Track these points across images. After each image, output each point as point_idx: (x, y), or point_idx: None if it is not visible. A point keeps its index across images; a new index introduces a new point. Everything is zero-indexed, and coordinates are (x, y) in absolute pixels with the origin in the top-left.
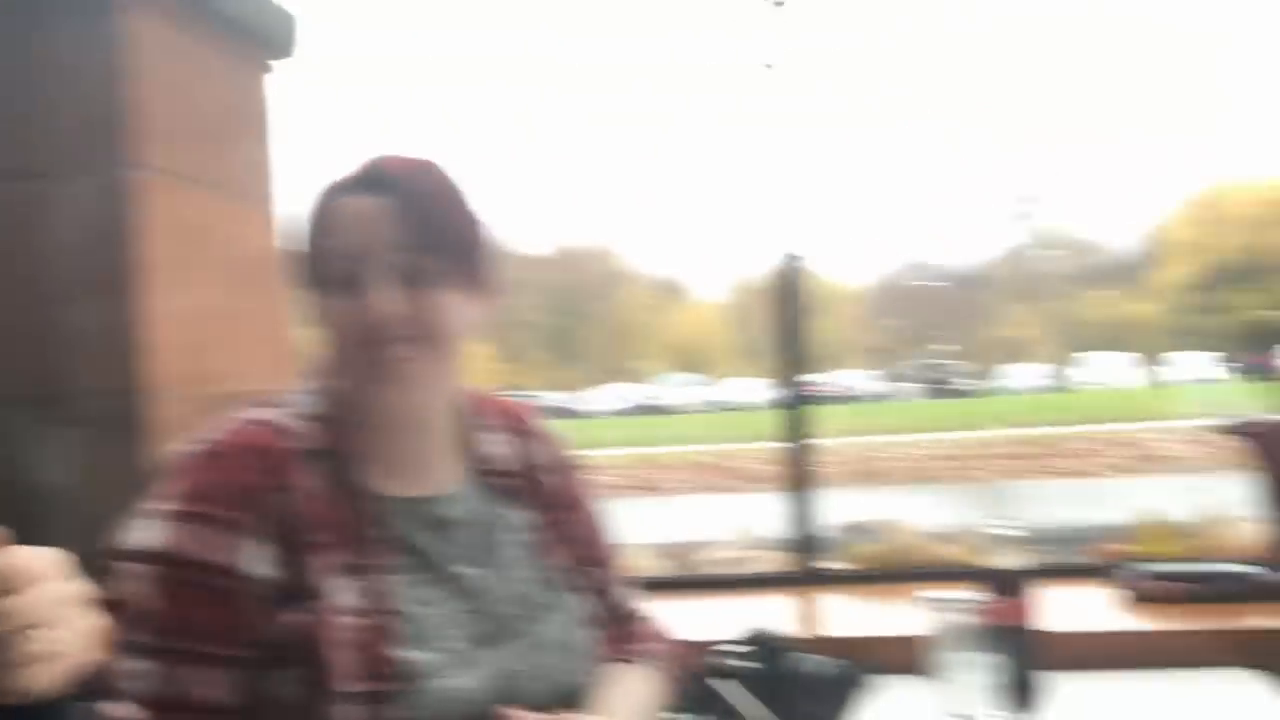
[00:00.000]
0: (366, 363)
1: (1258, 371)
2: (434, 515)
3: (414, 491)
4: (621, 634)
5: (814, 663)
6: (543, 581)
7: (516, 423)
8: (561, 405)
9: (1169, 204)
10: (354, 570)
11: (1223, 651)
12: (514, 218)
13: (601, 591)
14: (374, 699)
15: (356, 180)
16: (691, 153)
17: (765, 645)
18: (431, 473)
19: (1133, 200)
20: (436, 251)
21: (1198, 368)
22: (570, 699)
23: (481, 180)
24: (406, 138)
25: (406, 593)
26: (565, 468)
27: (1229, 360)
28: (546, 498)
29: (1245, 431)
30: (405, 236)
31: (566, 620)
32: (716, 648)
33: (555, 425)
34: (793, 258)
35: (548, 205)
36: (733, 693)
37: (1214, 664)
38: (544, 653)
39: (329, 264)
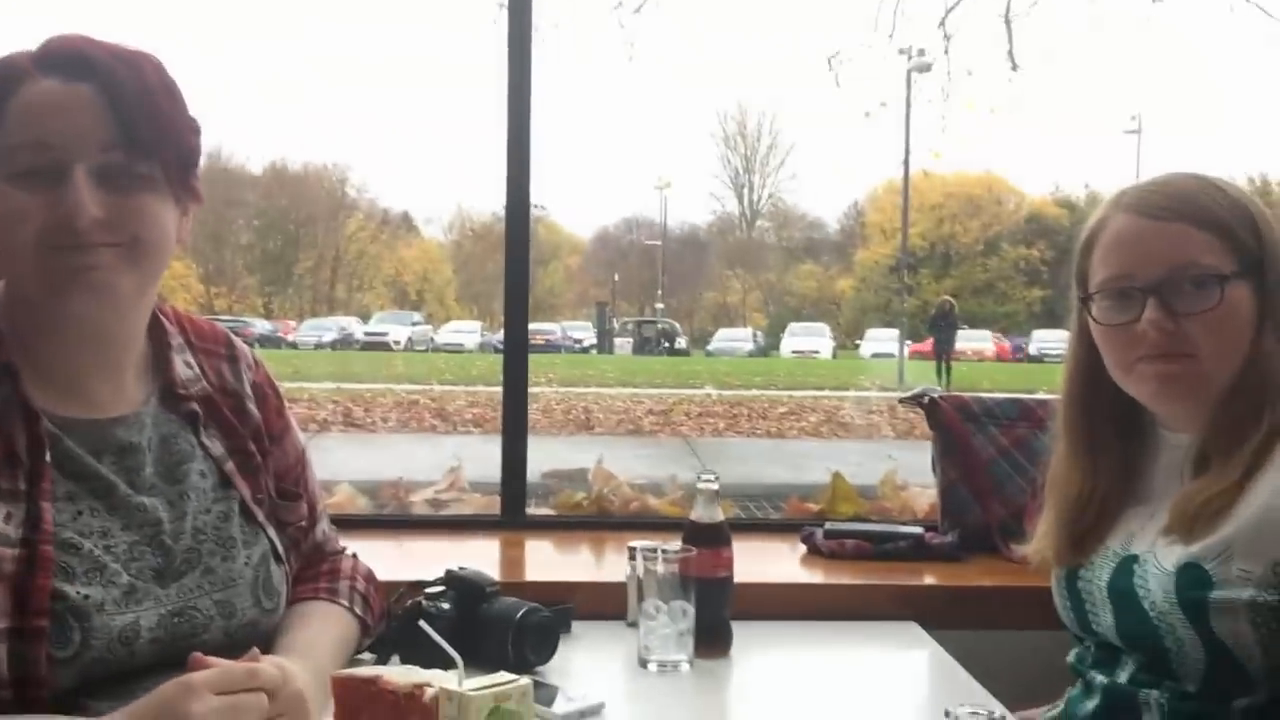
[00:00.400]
0: (51, 268)
1: (943, 349)
2: (113, 439)
3: (92, 413)
4: (319, 571)
5: (514, 606)
6: (234, 514)
7: (216, 346)
8: (269, 333)
9: (872, 186)
10: (7, 496)
11: (889, 604)
12: (227, 129)
13: (300, 527)
14: (23, 636)
15: (51, 60)
16: (433, 89)
17: (467, 587)
18: (114, 393)
19: (847, 179)
20: (147, 153)
21: (888, 343)
22: (259, 638)
23: (192, 84)
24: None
25: (73, 522)
26: (267, 397)
27: (916, 337)
28: (244, 427)
29: (919, 402)
30: (112, 132)
31: (258, 555)
32: (417, 588)
33: (260, 353)
34: (522, 204)
35: (265, 121)
36: (431, 634)
37: (882, 616)
38: (230, 589)
39: (14, 153)
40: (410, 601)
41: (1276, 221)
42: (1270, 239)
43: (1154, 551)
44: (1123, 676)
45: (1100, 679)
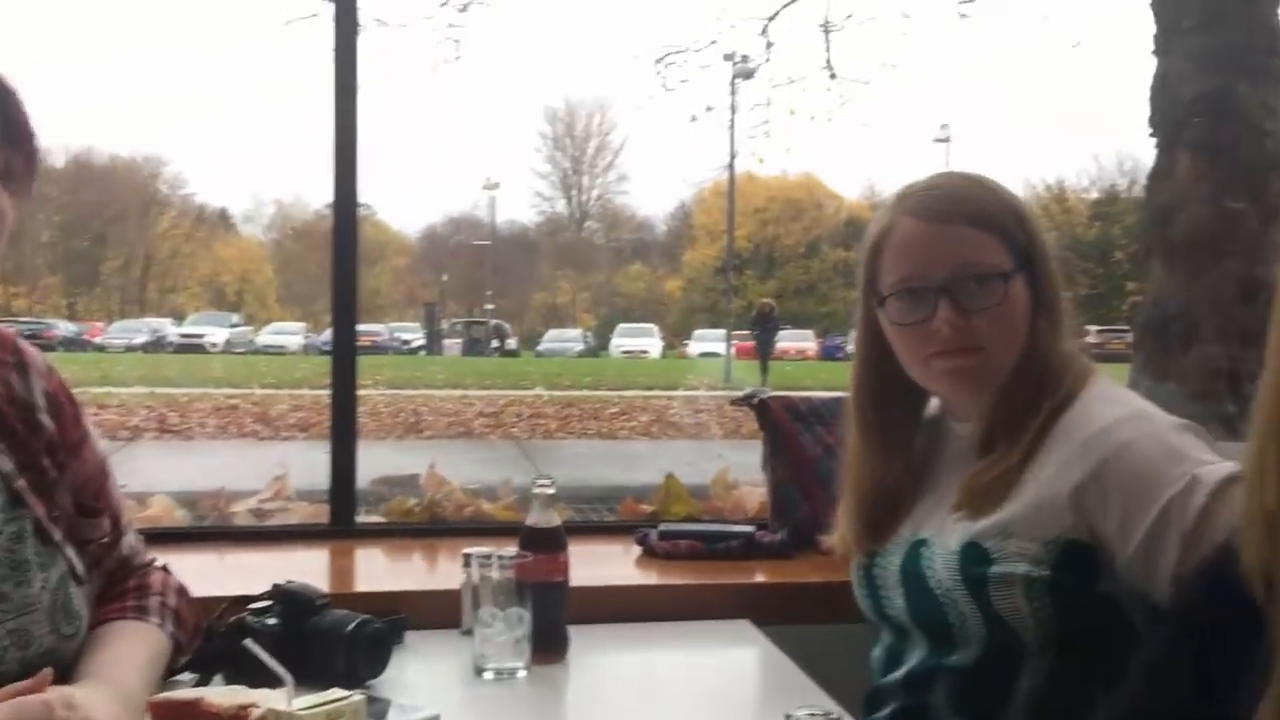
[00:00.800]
0: None
1: (763, 350)
2: None
3: None
4: (125, 589)
5: (345, 618)
6: (27, 535)
7: (1, 354)
8: (75, 335)
9: (699, 189)
10: None
11: (723, 603)
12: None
13: (103, 544)
14: None
15: None
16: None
17: (294, 601)
18: None
19: (675, 181)
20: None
21: (716, 343)
22: (58, 667)
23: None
24: None
25: None
26: (62, 406)
27: (742, 338)
28: (36, 440)
29: (749, 403)
30: None
31: (55, 578)
32: (241, 604)
33: (65, 357)
34: (347, 202)
35: (66, 109)
36: (257, 651)
37: (716, 615)
38: (26, 616)
39: None
40: (234, 618)
41: (1045, 219)
42: (1037, 234)
43: (940, 534)
44: (914, 660)
45: (895, 667)
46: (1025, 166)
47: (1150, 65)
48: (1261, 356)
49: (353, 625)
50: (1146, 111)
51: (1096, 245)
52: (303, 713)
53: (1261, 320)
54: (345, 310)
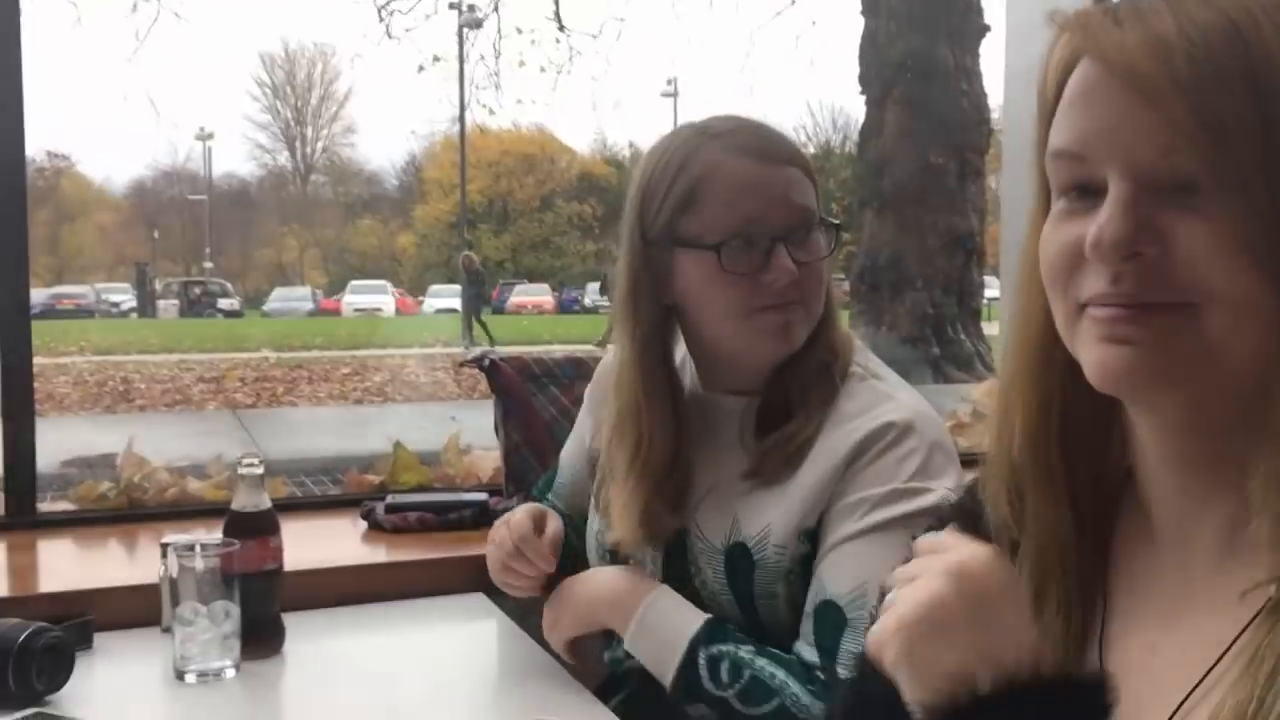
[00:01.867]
0: None
1: (471, 306)
2: None
3: None
4: None
5: (15, 629)
6: None
7: None
8: None
9: (430, 143)
10: None
11: (456, 577)
12: None
13: None
14: None
15: None
16: None
17: None
18: None
19: (405, 134)
20: None
21: (447, 300)
22: None
23: None
24: None
25: None
26: None
27: (471, 294)
28: None
29: (480, 365)
30: None
31: None
32: None
33: None
34: (13, 150)
35: None
36: None
37: (450, 590)
38: None
39: None
40: None
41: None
42: (819, 186)
43: (701, 525)
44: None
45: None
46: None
47: (859, 24)
48: (963, 303)
49: (24, 636)
50: (857, 69)
51: None
52: None
53: (961, 270)
54: (15, 265)
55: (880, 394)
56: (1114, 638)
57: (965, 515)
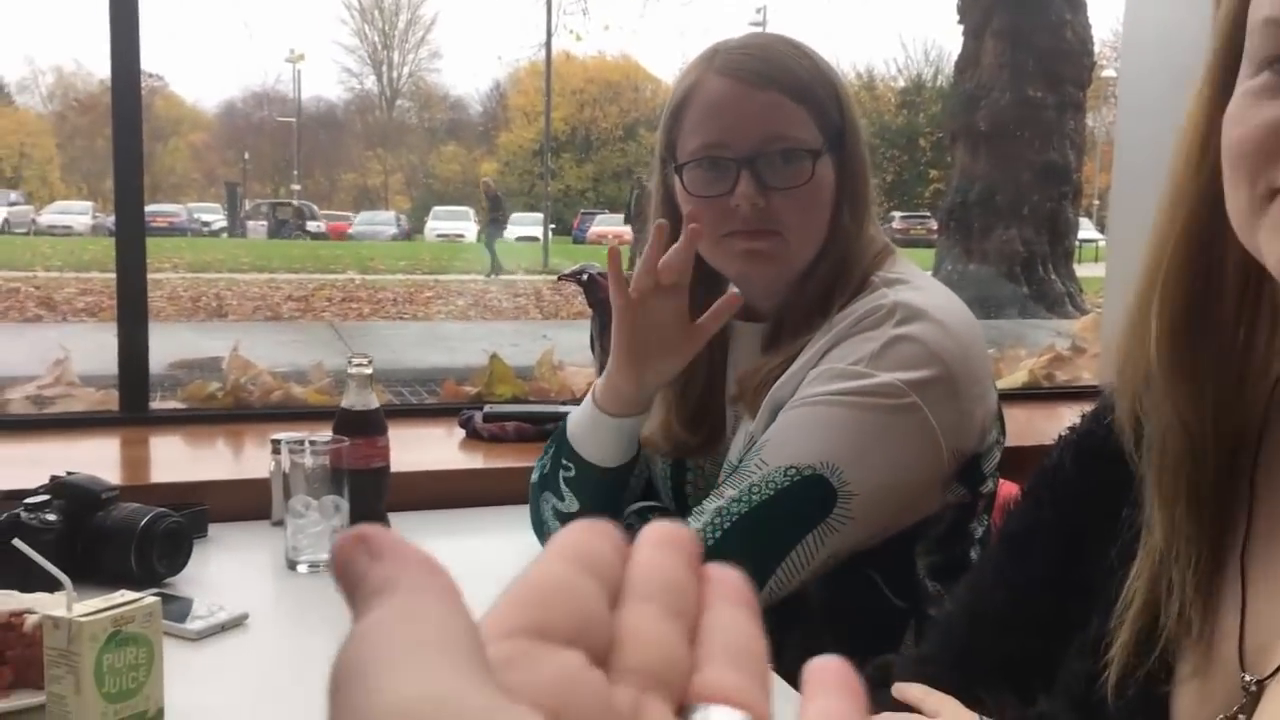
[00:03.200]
0: None
1: (489, 235)
2: None
3: None
4: None
5: (137, 512)
6: None
7: None
8: None
9: (514, 69)
10: None
11: None
12: None
13: None
14: None
15: None
16: None
17: (77, 495)
18: None
19: (490, 60)
20: None
21: (533, 227)
22: None
23: None
24: None
25: None
26: None
27: (560, 223)
28: None
29: (578, 279)
30: None
31: None
32: (13, 499)
33: None
34: (130, 71)
35: None
36: (27, 551)
37: None
38: None
39: None
40: (4, 515)
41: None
42: (851, 114)
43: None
44: None
45: None
46: (838, 52)
47: None
48: (1055, 242)
49: (146, 519)
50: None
51: (903, 133)
52: (84, 619)
53: (1055, 207)
54: (130, 185)
55: (880, 292)
56: (1258, 537)
57: (1090, 442)
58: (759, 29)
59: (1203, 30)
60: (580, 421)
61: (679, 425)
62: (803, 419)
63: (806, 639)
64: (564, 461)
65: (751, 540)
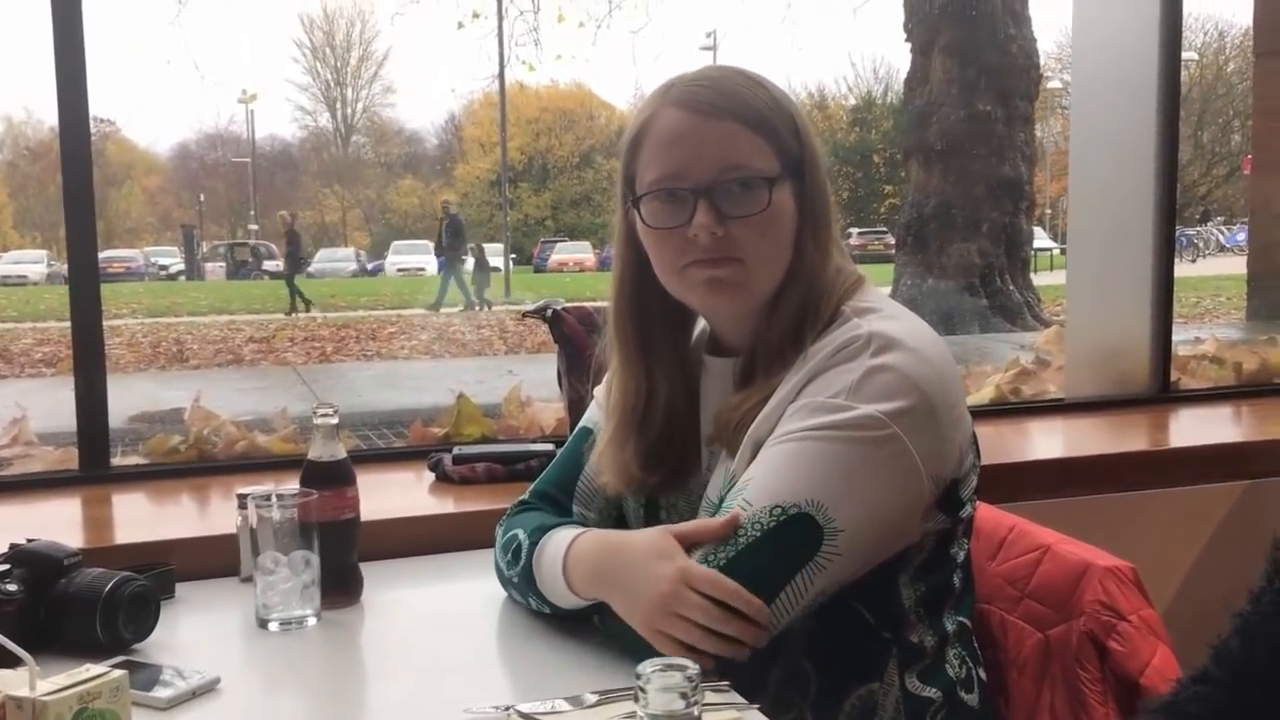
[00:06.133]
0: None
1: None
2: None
3: None
4: None
5: (101, 578)
6: None
7: None
8: None
9: (469, 100)
10: None
11: None
12: None
13: None
14: None
15: None
16: None
17: (38, 563)
18: None
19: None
20: None
21: (494, 257)
22: None
23: None
24: None
25: None
26: None
27: (517, 250)
28: None
29: (543, 315)
30: None
31: None
32: None
33: None
34: (80, 117)
35: None
36: None
37: None
38: None
39: None
40: None
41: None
42: (809, 141)
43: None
44: None
45: None
46: (789, 73)
47: None
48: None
49: (110, 585)
50: (900, 17)
51: (856, 150)
52: (48, 698)
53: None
54: (82, 231)
55: (854, 323)
56: None
57: None
58: (709, 52)
59: (1148, 39)
60: (549, 575)
61: (636, 466)
62: (786, 456)
63: (788, 671)
64: (529, 600)
65: (750, 570)
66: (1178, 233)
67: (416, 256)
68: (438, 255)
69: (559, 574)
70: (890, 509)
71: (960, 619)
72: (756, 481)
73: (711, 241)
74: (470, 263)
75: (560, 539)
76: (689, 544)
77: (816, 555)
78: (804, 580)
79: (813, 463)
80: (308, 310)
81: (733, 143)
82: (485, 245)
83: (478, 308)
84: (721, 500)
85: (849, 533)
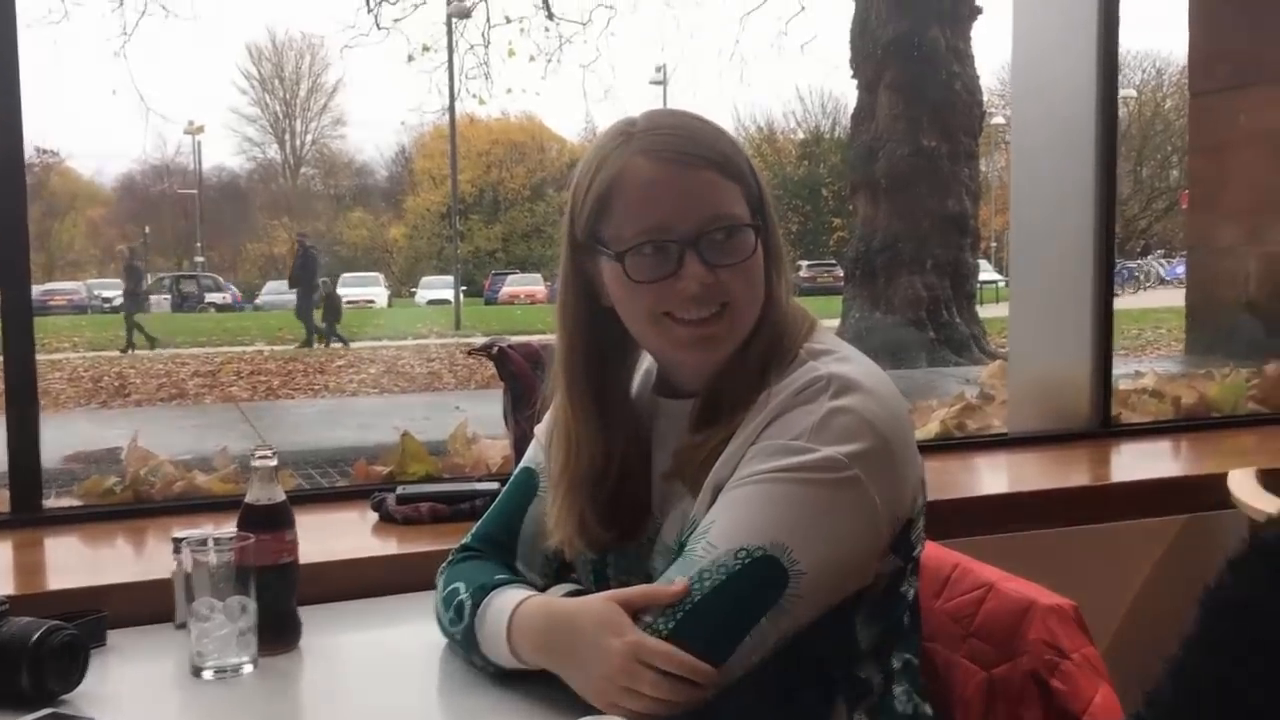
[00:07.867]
0: None
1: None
2: None
3: None
4: None
5: (28, 627)
6: None
7: None
8: None
9: (420, 133)
10: None
11: None
12: None
13: None
14: None
15: None
16: None
17: None
18: None
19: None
20: None
21: (444, 290)
22: None
23: None
24: None
25: None
26: None
27: (470, 284)
28: None
29: (488, 353)
30: None
31: None
32: None
33: None
34: (14, 146)
35: None
36: None
37: None
38: None
39: None
40: None
41: (759, 159)
42: (763, 184)
43: (661, 528)
44: None
45: None
46: (738, 107)
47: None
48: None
49: (37, 635)
50: (848, 53)
51: (805, 183)
52: None
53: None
54: (16, 262)
55: (810, 366)
56: None
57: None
58: (659, 86)
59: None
60: (492, 638)
61: (595, 523)
62: (749, 498)
63: (737, 712)
64: (472, 658)
65: (706, 628)
66: (1119, 265)
67: (366, 288)
68: (291, 287)
69: (503, 640)
70: (851, 551)
71: (906, 656)
72: (719, 524)
73: (703, 290)
74: (418, 296)
75: (503, 604)
76: (636, 611)
77: (780, 599)
78: (768, 624)
79: (776, 505)
80: (152, 348)
81: (713, 191)
82: (434, 278)
83: (322, 345)
84: (682, 545)
85: (810, 575)
